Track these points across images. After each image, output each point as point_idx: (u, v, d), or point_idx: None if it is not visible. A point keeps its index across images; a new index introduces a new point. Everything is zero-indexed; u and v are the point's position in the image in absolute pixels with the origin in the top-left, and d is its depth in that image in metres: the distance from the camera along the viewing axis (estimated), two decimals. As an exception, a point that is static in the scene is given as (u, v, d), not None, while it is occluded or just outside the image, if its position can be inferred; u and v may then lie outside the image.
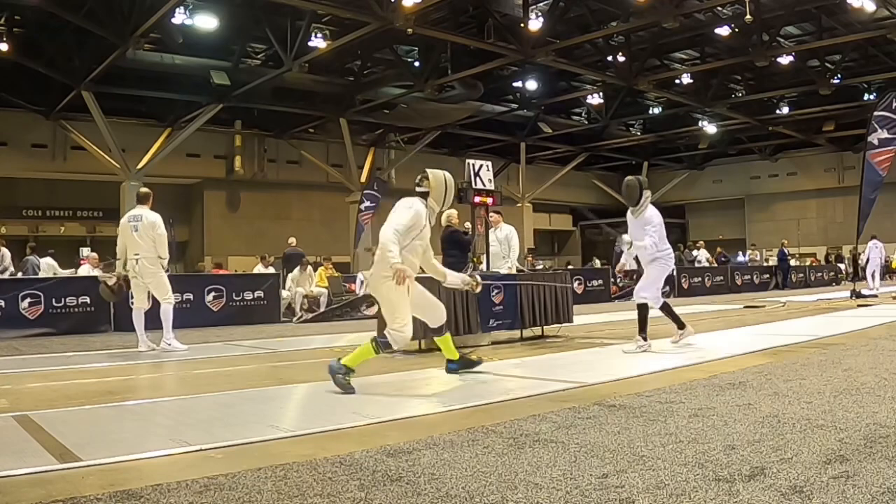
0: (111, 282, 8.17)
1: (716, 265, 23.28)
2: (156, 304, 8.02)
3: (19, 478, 2.84)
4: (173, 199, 24.14)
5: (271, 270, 15.04)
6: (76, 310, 10.78)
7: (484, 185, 7.98)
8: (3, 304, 10.18)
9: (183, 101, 21.51)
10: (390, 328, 4.92)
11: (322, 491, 2.62)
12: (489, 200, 8.09)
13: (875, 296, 15.52)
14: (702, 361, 5.97)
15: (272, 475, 2.83)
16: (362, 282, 15.97)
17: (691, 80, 23.65)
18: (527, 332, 8.57)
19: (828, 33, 19.60)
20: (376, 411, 4.15)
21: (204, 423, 3.96)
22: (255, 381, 5.72)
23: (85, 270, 14.10)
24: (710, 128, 29.50)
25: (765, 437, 3.24)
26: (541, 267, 22.39)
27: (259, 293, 12.84)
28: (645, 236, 6.79)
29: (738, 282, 21.70)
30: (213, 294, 12.24)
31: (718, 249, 26.05)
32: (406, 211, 5.00)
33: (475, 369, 5.60)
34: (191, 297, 11.84)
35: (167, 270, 8.18)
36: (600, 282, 18.35)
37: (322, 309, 14.06)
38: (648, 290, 6.95)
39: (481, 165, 8.04)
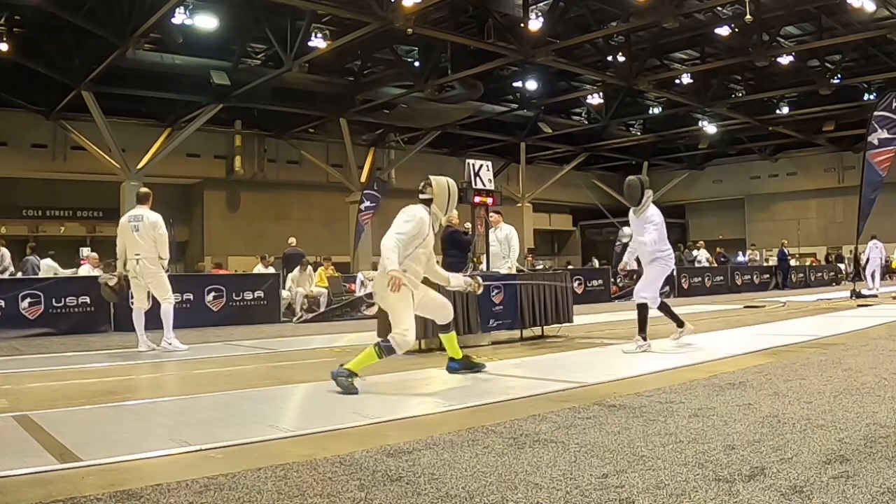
0: (112, 282, 8.17)
1: (716, 265, 23.29)
2: (156, 304, 8.02)
3: (19, 478, 2.84)
4: (173, 199, 24.14)
5: (271, 270, 15.04)
6: (76, 310, 10.78)
7: (484, 185, 7.98)
8: (3, 304, 10.18)
9: (183, 101, 21.51)
10: (394, 333, 4.94)
11: (322, 491, 2.62)
12: (489, 200, 8.09)
13: (875, 296, 15.52)
14: (702, 361, 5.97)
15: (272, 475, 2.83)
16: (362, 282, 15.98)
17: (691, 80, 23.65)
18: (527, 332, 8.57)
19: (828, 33, 19.60)
20: (376, 411, 4.16)
21: (204, 423, 3.96)
22: (255, 381, 5.72)
23: (85, 270, 14.09)
24: (710, 128, 29.50)
25: (765, 437, 3.24)
26: (541, 267, 22.41)
27: (259, 293, 12.83)
28: (646, 232, 6.79)
29: (738, 282, 21.70)
30: (213, 294, 12.24)
31: (718, 249, 26.05)
32: (410, 219, 5.01)
33: (476, 372, 5.60)
34: (191, 297, 11.84)
35: (167, 271, 8.18)
36: (600, 282, 18.35)
37: (322, 309, 14.06)
38: (648, 290, 6.95)
39: (481, 165, 8.04)
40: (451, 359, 5.58)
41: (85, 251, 18.38)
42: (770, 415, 3.70)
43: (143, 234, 7.77)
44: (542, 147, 31.33)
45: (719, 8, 18.17)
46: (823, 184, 33.36)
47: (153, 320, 8.03)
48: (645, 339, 6.77)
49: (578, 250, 37.88)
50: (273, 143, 27.43)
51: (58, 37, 18.08)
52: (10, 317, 10.16)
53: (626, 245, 7.48)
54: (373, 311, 10.11)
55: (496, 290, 7.95)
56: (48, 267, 14.08)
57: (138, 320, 7.93)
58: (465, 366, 5.57)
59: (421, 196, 5.22)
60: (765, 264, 26.05)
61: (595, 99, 26.50)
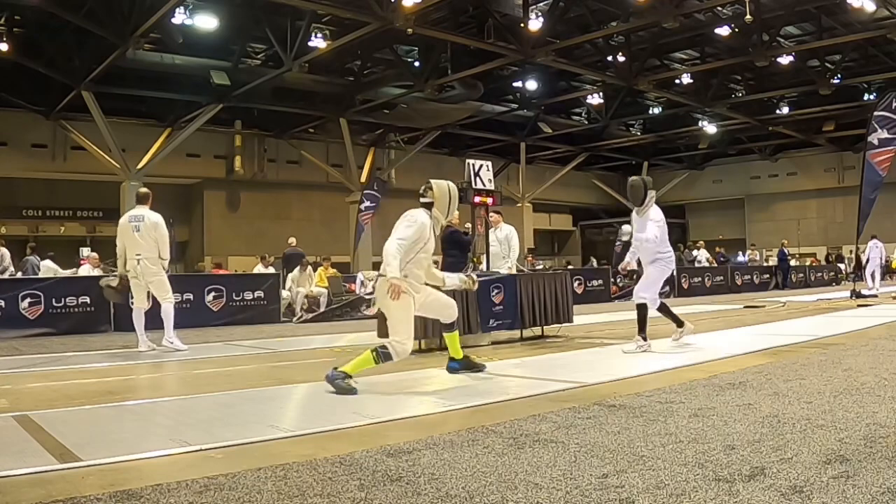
0: (114, 283, 8.17)
1: (716, 265, 23.29)
2: (156, 304, 8.02)
3: (19, 478, 2.84)
4: (173, 199, 24.16)
5: (271, 270, 15.04)
6: (76, 310, 10.78)
7: (484, 185, 7.98)
8: (3, 304, 10.17)
9: (183, 101, 21.52)
10: (392, 340, 4.94)
11: (322, 491, 2.62)
12: (489, 200, 8.09)
13: (875, 296, 15.52)
14: (702, 361, 5.97)
15: (272, 475, 2.83)
16: (362, 282, 15.98)
17: (691, 80, 23.65)
18: (527, 332, 8.57)
19: (828, 33, 19.61)
20: (376, 411, 4.16)
21: (204, 423, 3.96)
22: (255, 381, 5.72)
23: (85, 270, 14.10)
24: (710, 128, 29.51)
25: (765, 437, 3.24)
26: (541, 267, 22.42)
27: (259, 293, 12.83)
28: (647, 228, 6.79)
29: (738, 282, 21.70)
30: (213, 294, 12.24)
31: (717, 249, 26.07)
32: (411, 224, 5.01)
33: (476, 372, 5.60)
34: (191, 297, 11.84)
35: (167, 271, 8.17)
36: (600, 282, 18.35)
37: (322, 309, 14.06)
38: (648, 290, 6.96)
39: (481, 165, 8.04)
40: (452, 358, 5.58)
41: (85, 251, 18.37)
42: (770, 415, 3.70)
43: (145, 235, 7.77)
44: (542, 147, 31.33)
45: (719, 8, 18.17)
46: (823, 184, 33.36)
47: (153, 320, 8.03)
48: (645, 339, 6.77)
49: (578, 250, 37.90)
50: (273, 143, 27.43)
51: (58, 37, 18.09)
52: (10, 317, 10.15)
53: (626, 245, 7.48)
54: (373, 311, 10.11)
55: (496, 290, 7.95)
56: (48, 268, 14.08)
57: (138, 320, 7.92)
58: (466, 366, 5.57)
59: (422, 199, 5.22)
60: (765, 264, 26.05)
61: (595, 99, 26.51)
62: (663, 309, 7.10)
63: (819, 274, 25.41)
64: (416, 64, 21.90)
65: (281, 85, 21.10)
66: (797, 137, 29.86)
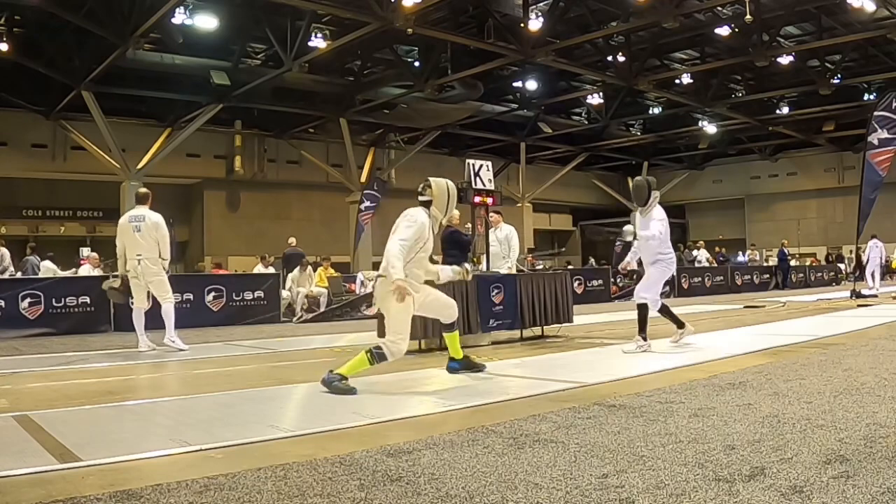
0: (116, 284, 8.16)
1: (716, 265, 23.30)
2: (156, 304, 8.02)
3: (19, 478, 2.84)
4: (173, 199, 24.17)
5: (271, 270, 15.03)
6: (76, 310, 10.78)
7: (484, 185, 7.98)
8: (3, 304, 10.17)
9: (183, 101, 21.51)
10: (387, 340, 4.94)
11: (322, 491, 2.62)
12: (489, 200, 8.09)
13: (875, 296, 15.53)
14: (702, 361, 5.97)
15: (272, 475, 2.83)
16: (362, 282, 15.98)
17: (691, 80, 23.65)
18: (527, 332, 8.57)
19: (828, 33, 19.61)
20: (376, 411, 4.16)
21: (204, 423, 3.96)
22: (255, 381, 5.72)
23: (85, 270, 14.11)
24: (710, 128, 29.51)
25: (765, 437, 3.24)
26: (541, 267, 22.40)
27: (259, 293, 12.83)
28: (650, 226, 6.79)
29: (738, 282, 21.70)
30: (213, 294, 12.23)
31: (717, 249, 26.08)
32: (411, 224, 5.00)
33: (476, 372, 5.60)
34: (191, 297, 11.83)
35: (167, 271, 8.17)
36: (600, 282, 18.36)
37: (322, 309, 14.06)
38: (649, 291, 6.97)
39: (481, 165, 8.04)
40: (452, 358, 5.58)
41: (85, 251, 18.38)
42: (770, 415, 3.70)
43: (145, 234, 7.77)
44: (542, 147, 31.33)
45: (719, 8, 18.17)
46: (823, 184, 33.36)
47: (153, 320, 8.04)
48: (645, 339, 6.78)
49: (578, 250, 37.91)
50: (273, 143, 27.43)
51: (58, 37, 18.09)
52: (10, 317, 10.15)
53: (626, 245, 7.49)
54: (373, 311, 10.10)
55: (496, 290, 7.95)
56: (47, 269, 14.09)
57: (138, 320, 7.92)
58: (466, 366, 5.57)
59: (420, 198, 5.22)
60: (765, 264, 26.05)
61: (595, 99, 26.50)
62: (664, 310, 7.11)
63: (819, 274, 25.41)
64: (416, 64, 21.90)
65: (281, 85, 21.11)
66: (797, 137, 29.86)
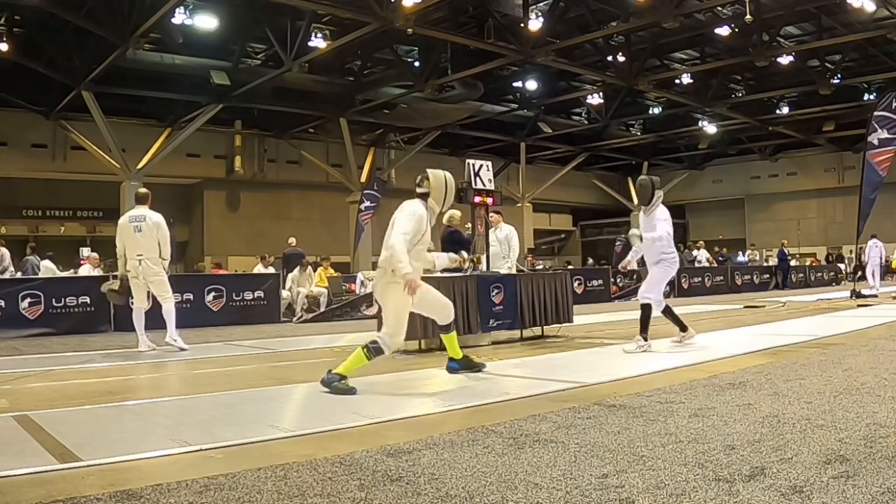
0: (116, 286, 8.16)
1: (716, 265, 23.30)
2: (156, 304, 8.02)
3: (19, 478, 2.85)
4: (173, 199, 24.16)
5: (271, 270, 15.04)
6: (76, 310, 10.78)
7: (484, 185, 7.98)
8: (3, 304, 10.17)
9: (183, 101, 21.51)
10: (383, 333, 4.94)
11: (322, 491, 2.62)
12: (489, 200, 8.09)
13: (875, 296, 15.53)
14: (702, 361, 5.97)
15: (272, 475, 2.83)
16: (362, 282, 15.98)
17: (691, 80, 23.65)
18: (527, 332, 8.57)
19: (828, 33, 19.61)
20: (376, 411, 4.15)
21: (204, 423, 3.96)
22: (255, 381, 5.72)
23: (85, 270, 14.11)
24: (710, 128, 29.52)
25: (765, 437, 3.24)
26: (541, 266, 22.41)
27: (259, 293, 12.83)
28: (657, 226, 6.81)
29: (738, 282, 21.71)
30: (213, 294, 12.24)
31: (716, 249, 26.09)
32: (410, 217, 4.99)
33: (476, 371, 5.60)
34: (191, 297, 11.84)
35: (167, 271, 8.16)
36: (600, 282, 18.36)
37: (322, 309, 14.06)
38: (652, 291, 6.98)
39: (481, 165, 8.04)
40: (451, 359, 5.57)
41: (85, 251, 18.38)
42: (770, 415, 3.70)
43: (146, 234, 7.77)
44: (542, 147, 31.33)
45: (719, 8, 18.17)
46: (823, 184, 33.36)
47: (153, 320, 8.04)
48: (646, 339, 6.78)
49: (578, 250, 37.91)
50: (273, 143, 27.43)
51: (58, 37, 18.09)
52: (10, 317, 10.16)
53: (626, 245, 7.50)
54: (373, 311, 10.11)
55: (496, 290, 7.95)
56: (47, 268, 14.09)
57: (138, 320, 7.93)
58: (465, 366, 5.57)
59: (418, 190, 5.20)
60: (765, 264, 26.06)
61: (595, 99, 26.50)
62: (667, 311, 7.11)
63: (819, 274, 25.42)
64: (416, 64, 21.89)
65: (281, 85, 21.11)
66: (797, 137, 29.86)
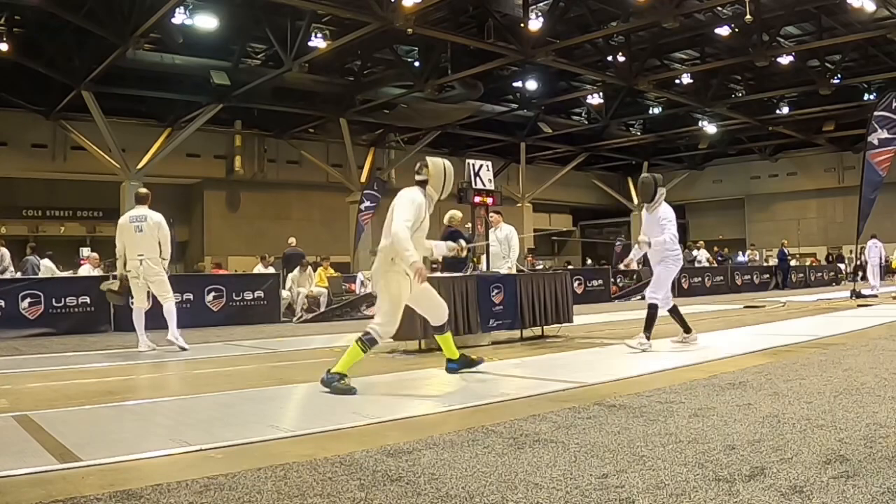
0: (115, 286, 8.16)
1: (716, 265, 23.30)
2: (155, 304, 8.02)
3: (19, 478, 2.84)
4: (173, 199, 24.17)
5: (271, 270, 15.03)
6: (76, 310, 10.78)
7: (484, 185, 7.98)
8: (3, 304, 10.17)
9: (183, 101, 21.52)
10: (375, 323, 4.92)
11: (322, 491, 2.62)
12: (489, 200, 8.09)
13: (875, 296, 15.53)
14: (702, 361, 5.97)
15: (272, 475, 2.83)
16: (362, 282, 15.98)
17: (691, 80, 23.65)
18: (527, 332, 8.56)
19: (828, 33, 19.61)
20: (376, 411, 4.15)
21: (204, 423, 3.96)
22: (255, 381, 5.71)
23: (85, 270, 14.11)
24: (710, 128, 29.52)
25: (765, 437, 3.24)
26: (541, 267, 22.41)
27: (259, 293, 12.83)
28: (662, 232, 6.85)
29: (738, 282, 21.70)
30: (213, 294, 12.23)
31: (715, 249, 26.08)
32: (409, 204, 4.96)
33: (475, 368, 5.60)
34: (191, 297, 11.83)
35: (166, 271, 8.16)
36: (600, 282, 18.36)
37: (322, 309, 14.06)
38: (659, 291, 7.00)
39: (481, 165, 8.04)
40: (449, 360, 5.54)
41: (85, 251, 18.39)
42: (770, 415, 3.70)
43: (147, 234, 7.77)
44: (542, 147, 31.34)
45: (719, 8, 18.17)
46: (823, 184, 33.36)
47: (153, 320, 8.04)
48: (648, 338, 6.79)
49: (578, 250, 37.90)
50: (273, 143, 27.43)
51: (58, 37, 18.09)
52: (10, 317, 10.15)
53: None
54: (373, 310, 10.10)
55: (496, 290, 7.95)
56: (46, 267, 14.09)
57: (138, 320, 7.92)
58: (464, 364, 5.54)
59: (417, 177, 5.19)
60: (765, 264, 26.06)
61: (595, 99, 26.50)
62: (674, 311, 7.12)
63: (819, 274, 25.41)
64: (416, 64, 21.90)
65: (281, 85, 21.11)
66: (797, 137, 29.86)
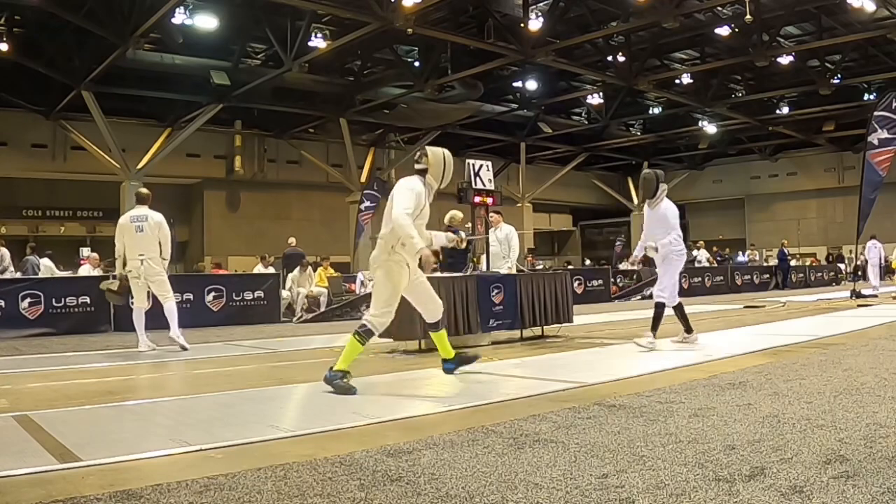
0: (114, 286, 8.16)
1: (716, 265, 23.30)
2: (156, 304, 8.02)
3: (19, 478, 2.84)
4: (173, 199, 24.16)
5: (271, 270, 15.04)
6: (76, 310, 10.78)
7: (484, 185, 7.99)
8: (3, 304, 10.17)
9: (183, 101, 21.51)
10: (370, 313, 4.92)
11: (322, 491, 2.62)
12: (489, 200, 8.10)
13: (875, 296, 15.53)
14: (702, 361, 5.97)
15: (272, 475, 2.83)
16: (362, 282, 15.97)
17: (691, 80, 23.65)
18: (527, 332, 8.56)
19: (828, 33, 19.61)
20: (376, 411, 4.15)
21: (204, 423, 3.96)
22: (255, 381, 5.72)
23: (85, 270, 14.10)
24: (710, 128, 29.51)
25: (765, 437, 3.24)
26: (541, 267, 22.42)
27: (259, 293, 12.83)
28: (667, 234, 6.89)
29: (738, 282, 21.70)
30: (213, 294, 12.23)
31: (715, 249, 26.07)
32: (409, 192, 4.95)
33: (473, 365, 5.56)
34: (191, 297, 11.83)
35: (166, 272, 8.16)
36: (600, 282, 18.36)
37: (322, 309, 14.06)
38: (666, 289, 7.02)
39: (481, 165, 8.05)
40: (445, 359, 5.46)
41: (85, 251, 18.38)
42: (770, 415, 3.69)
43: (148, 234, 7.78)
44: (542, 147, 31.33)
45: (719, 8, 18.17)
46: (823, 184, 33.36)
47: (153, 320, 8.04)
48: (654, 338, 6.80)
49: (578, 250, 37.89)
50: (273, 143, 27.43)
51: (58, 37, 18.08)
52: (10, 317, 10.15)
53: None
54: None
55: (496, 290, 7.95)
56: (46, 267, 14.08)
57: (138, 320, 7.92)
58: (460, 362, 5.49)
59: (416, 166, 5.21)
60: (765, 264, 26.05)
61: (595, 99, 26.50)
62: (678, 308, 7.13)
63: (819, 274, 25.42)
64: (416, 64, 21.89)
65: (281, 85, 21.10)
66: (797, 137, 29.86)
